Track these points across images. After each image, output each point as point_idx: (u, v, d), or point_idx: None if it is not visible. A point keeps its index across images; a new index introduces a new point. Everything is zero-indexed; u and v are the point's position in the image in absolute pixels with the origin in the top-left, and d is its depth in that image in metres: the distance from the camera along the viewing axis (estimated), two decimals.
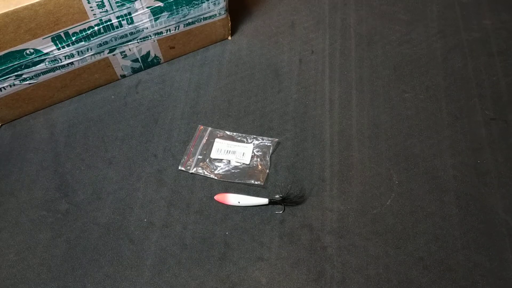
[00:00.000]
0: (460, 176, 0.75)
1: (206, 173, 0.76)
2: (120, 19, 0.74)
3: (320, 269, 0.68)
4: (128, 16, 0.74)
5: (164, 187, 0.75)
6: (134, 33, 0.79)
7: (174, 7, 0.78)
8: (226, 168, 0.77)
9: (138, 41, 0.81)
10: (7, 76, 0.72)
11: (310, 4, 0.97)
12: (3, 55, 0.68)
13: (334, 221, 0.71)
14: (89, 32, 0.73)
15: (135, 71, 0.88)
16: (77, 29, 0.71)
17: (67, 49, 0.74)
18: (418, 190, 0.74)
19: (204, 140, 0.79)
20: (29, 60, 0.72)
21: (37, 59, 0.72)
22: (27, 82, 0.76)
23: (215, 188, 0.75)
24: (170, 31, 0.82)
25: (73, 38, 0.72)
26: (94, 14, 0.70)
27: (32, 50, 0.70)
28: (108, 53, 0.80)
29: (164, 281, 0.67)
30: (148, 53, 0.85)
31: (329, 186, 0.75)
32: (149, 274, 0.68)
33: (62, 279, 0.68)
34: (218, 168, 0.77)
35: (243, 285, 0.67)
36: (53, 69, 0.76)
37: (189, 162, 0.77)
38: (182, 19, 0.81)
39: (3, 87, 0.74)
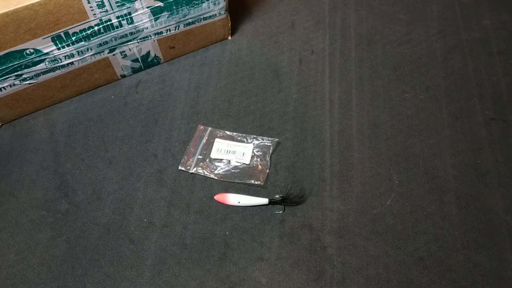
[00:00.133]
0: (460, 176, 0.75)
1: (206, 173, 0.76)
2: (120, 19, 0.74)
3: (320, 269, 0.68)
4: (128, 16, 0.74)
5: (164, 187, 0.75)
6: (134, 33, 0.79)
7: (174, 7, 0.78)
8: (226, 168, 0.77)
9: (138, 41, 0.81)
10: (7, 76, 0.72)
11: (310, 4, 0.97)
12: (3, 55, 0.68)
13: (334, 221, 0.71)
14: (89, 32, 0.73)
15: (135, 71, 0.88)
16: (77, 29, 0.71)
17: (67, 49, 0.74)
18: (418, 190, 0.74)
19: (204, 140, 0.79)
20: (29, 60, 0.72)
21: (37, 59, 0.72)
22: (27, 82, 0.76)
23: (215, 188, 0.75)
24: (170, 31, 0.82)
25: (73, 38, 0.72)
26: (94, 14, 0.70)
27: (32, 50, 0.70)
28: (108, 53, 0.80)
29: (164, 281, 0.67)
30: (148, 53, 0.85)
31: (329, 186, 0.75)
32: (149, 274, 0.68)
33: (62, 279, 0.68)
34: (218, 168, 0.77)
35: (243, 285, 0.67)
36: (53, 69, 0.76)
37: (189, 162, 0.77)
38: (182, 19, 0.81)
39: (3, 87, 0.74)
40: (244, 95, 0.85)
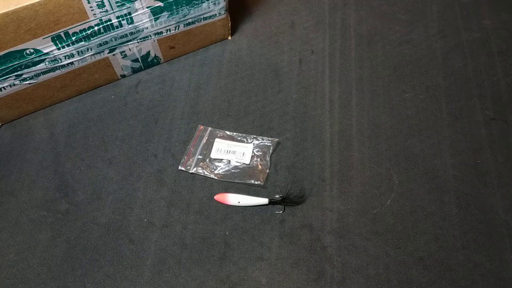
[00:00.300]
0: (460, 176, 0.75)
1: (206, 173, 0.76)
2: (120, 19, 0.74)
3: (320, 269, 0.68)
4: (128, 16, 0.74)
5: (164, 187, 0.75)
6: (134, 33, 0.79)
7: (174, 7, 0.78)
8: (226, 168, 0.77)
9: (138, 41, 0.81)
10: (7, 76, 0.72)
11: (310, 4, 0.97)
12: (3, 55, 0.68)
13: (334, 221, 0.71)
14: (89, 32, 0.73)
15: (135, 71, 0.88)
16: (77, 29, 0.71)
17: (67, 49, 0.74)
18: (418, 190, 0.74)
19: (204, 140, 0.79)
20: (29, 60, 0.72)
21: (37, 59, 0.72)
22: (27, 82, 0.76)
23: (215, 188, 0.75)
24: (170, 31, 0.82)
25: (73, 38, 0.72)
26: (94, 14, 0.70)
27: (32, 50, 0.70)
28: (108, 53, 0.80)
29: (164, 281, 0.67)
30: (148, 53, 0.85)
31: (329, 186, 0.75)
32: (149, 274, 0.68)
33: (62, 279, 0.68)
34: (218, 168, 0.77)
35: (243, 285, 0.67)
36: (53, 69, 0.76)
37: (189, 162, 0.77)
38: (182, 19, 0.81)
39: (3, 87, 0.74)
40: (244, 95, 0.85)
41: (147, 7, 0.75)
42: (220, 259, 0.69)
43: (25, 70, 0.73)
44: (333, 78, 0.87)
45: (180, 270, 0.68)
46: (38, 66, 0.73)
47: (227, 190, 0.75)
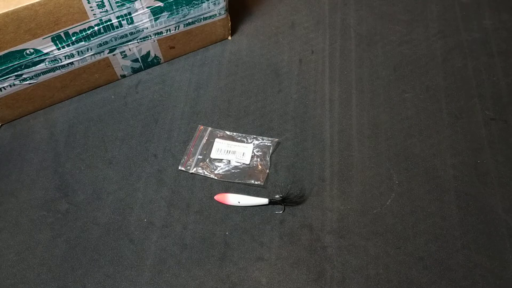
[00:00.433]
0: (460, 176, 0.75)
1: (206, 173, 0.76)
2: (120, 19, 0.74)
3: (320, 269, 0.68)
4: (128, 16, 0.74)
5: (164, 187, 0.75)
6: (134, 33, 0.79)
7: (174, 7, 0.78)
8: (226, 168, 0.77)
9: (138, 41, 0.81)
10: (7, 76, 0.72)
11: (310, 4, 0.97)
12: (3, 55, 0.68)
13: (334, 221, 0.71)
14: (89, 32, 0.73)
15: (135, 71, 0.88)
16: (77, 29, 0.71)
17: (67, 49, 0.74)
18: (418, 190, 0.74)
19: (204, 140, 0.79)
20: (29, 60, 0.72)
21: (37, 59, 0.72)
22: (27, 82, 0.76)
23: (215, 188, 0.75)
24: (170, 31, 0.82)
25: (73, 38, 0.72)
26: (94, 14, 0.70)
27: (32, 50, 0.70)
28: (108, 53, 0.80)
29: (164, 281, 0.67)
30: (148, 53, 0.85)
31: (329, 186, 0.75)
32: (149, 274, 0.68)
33: (62, 279, 0.68)
34: (218, 168, 0.77)
35: (243, 285, 0.67)
36: (53, 69, 0.76)
37: (189, 162, 0.77)
38: (182, 19, 0.81)
39: (3, 87, 0.74)
40: (244, 95, 0.85)
41: (147, 7, 0.75)
42: (220, 259, 0.69)
43: (25, 70, 0.73)
44: (333, 78, 0.87)
45: (180, 270, 0.68)
46: (38, 66, 0.73)
47: (227, 190, 0.75)
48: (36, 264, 0.69)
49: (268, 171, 0.76)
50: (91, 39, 0.74)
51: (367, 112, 0.82)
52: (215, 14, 0.84)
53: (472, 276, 0.66)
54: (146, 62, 0.87)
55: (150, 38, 0.81)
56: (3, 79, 0.72)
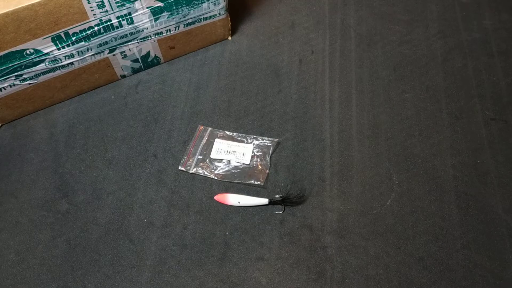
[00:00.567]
0: (460, 176, 0.75)
1: (206, 173, 0.76)
2: (120, 19, 0.74)
3: (320, 269, 0.68)
4: (128, 16, 0.74)
5: (164, 187, 0.75)
6: (134, 33, 0.79)
7: (174, 7, 0.78)
8: (226, 168, 0.77)
9: (138, 41, 0.81)
10: (7, 76, 0.72)
11: (310, 4, 0.97)
12: (3, 55, 0.68)
13: (334, 221, 0.71)
14: (89, 32, 0.73)
15: (135, 71, 0.88)
16: (77, 29, 0.71)
17: (67, 49, 0.74)
18: (418, 190, 0.74)
19: (204, 140, 0.80)
20: (29, 60, 0.72)
21: (37, 59, 0.72)
22: (27, 82, 0.76)
23: (215, 188, 0.75)
24: (170, 31, 0.82)
25: (73, 38, 0.72)
26: (94, 14, 0.71)
27: (32, 50, 0.70)
28: (108, 53, 0.80)
29: (164, 281, 0.67)
30: (148, 53, 0.85)
31: (329, 186, 0.75)
32: (149, 274, 0.68)
33: (62, 279, 0.68)
34: (218, 168, 0.77)
35: (243, 285, 0.67)
36: (53, 69, 0.76)
37: (189, 162, 0.77)
38: (182, 19, 0.81)
39: (3, 87, 0.74)
40: (244, 95, 0.85)
41: (147, 7, 0.75)
42: (220, 259, 0.69)
43: (25, 70, 0.73)
44: (333, 78, 0.87)
45: (180, 270, 0.68)
46: (38, 66, 0.73)
47: (227, 190, 0.75)
48: (36, 264, 0.69)
49: (268, 171, 0.76)
50: (91, 39, 0.74)
51: (367, 112, 0.82)
52: (215, 14, 0.84)
53: (472, 276, 0.66)
54: (146, 62, 0.87)
55: (150, 38, 0.81)
56: (3, 79, 0.73)
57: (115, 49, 0.80)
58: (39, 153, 0.79)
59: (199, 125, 0.81)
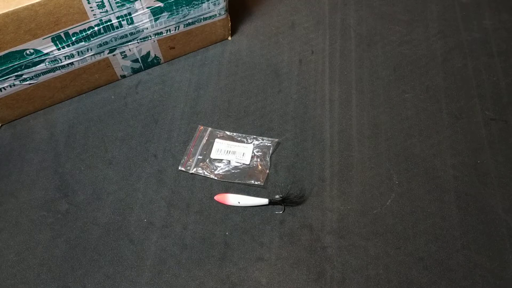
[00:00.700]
0: (460, 176, 0.75)
1: (206, 173, 0.76)
2: (120, 19, 0.74)
3: (320, 269, 0.68)
4: (128, 17, 0.74)
5: (164, 188, 0.75)
6: (134, 33, 0.79)
7: (174, 7, 0.78)
8: (226, 168, 0.77)
9: (138, 41, 0.81)
10: (7, 76, 0.72)
11: (310, 4, 0.97)
12: (3, 55, 0.68)
13: (334, 221, 0.71)
14: (89, 32, 0.73)
15: (135, 71, 0.88)
16: (77, 29, 0.71)
17: (67, 49, 0.74)
18: (418, 190, 0.74)
19: (204, 140, 0.80)
20: (29, 60, 0.72)
21: (37, 59, 0.72)
22: (27, 82, 0.76)
23: (215, 188, 0.75)
24: (170, 31, 0.82)
25: (73, 39, 0.72)
26: (94, 15, 0.71)
27: (32, 51, 0.70)
28: (108, 54, 0.80)
29: (164, 281, 0.67)
30: (148, 53, 0.85)
31: (329, 186, 0.75)
32: (149, 274, 0.68)
33: (62, 279, 0.68)
34: (218, 168, 0.77)
35: (243, 285, 0.67)
36: (53, 69, 0.76)
37: (189, 162, 0.77)
38: (182, 19, 0.81)
39: (3, 87, 0.74)
40: (244, 95, 0.85)
41: (147, 8, 0.75)
42: (220, 259, 0.69)
43: (25, 71, 0.73)
44: (333, 78, 0.87)
45: (180, 271, 0.68)
46: (38, 66, 0.73)
47: (227, 191, 0.75)
48: (36, 264, 0.69)
49: (268, 171, 0.76)
50: (91, 39, 0.74)
51: (367, 112, 0.82)
52: (215, 15, 0.84)
53: (472, 276, 0.66)
54: (146, 63, 0.87)
55: (150, 38, 0.81)
56: (3, 79, 0.73)
57: (115, 49, 0.80)
58: (39, 153, 0.79)
59: (199, 125, 0.81)
